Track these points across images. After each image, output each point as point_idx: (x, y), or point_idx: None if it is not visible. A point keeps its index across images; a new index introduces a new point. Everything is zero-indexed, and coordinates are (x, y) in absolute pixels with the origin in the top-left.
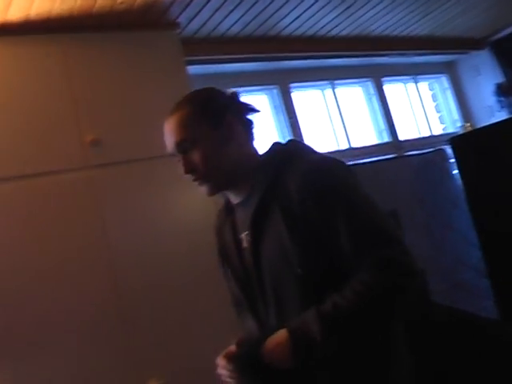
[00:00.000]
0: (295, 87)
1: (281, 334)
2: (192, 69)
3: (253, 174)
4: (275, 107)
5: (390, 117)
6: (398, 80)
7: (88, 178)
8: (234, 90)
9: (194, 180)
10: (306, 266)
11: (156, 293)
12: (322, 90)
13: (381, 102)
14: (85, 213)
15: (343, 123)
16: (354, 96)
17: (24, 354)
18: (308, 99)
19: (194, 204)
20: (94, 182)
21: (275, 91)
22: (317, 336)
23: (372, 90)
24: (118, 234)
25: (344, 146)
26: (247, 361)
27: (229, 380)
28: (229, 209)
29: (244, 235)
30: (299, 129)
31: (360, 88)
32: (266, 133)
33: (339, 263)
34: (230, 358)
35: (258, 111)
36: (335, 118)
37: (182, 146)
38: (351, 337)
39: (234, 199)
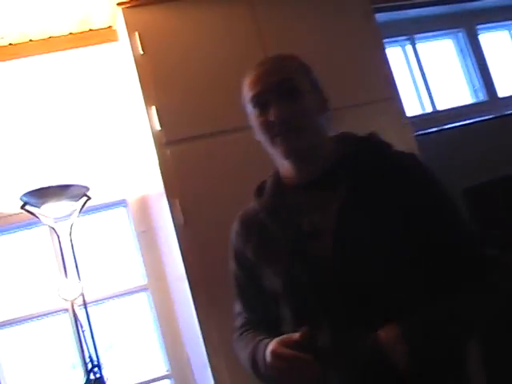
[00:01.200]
0: (482, 29)
1: (390, 327)
2: (378, 16)
3: (333, 158)
4: (461, 51)
5: None
6: None
7: None
8: None
9: (281, 131)
10: (418, 261)
11: None
12: (510, 30)
13: None
14: None
15: None
16: None
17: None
18: (496, 41)
19: None
20: None
21: (460, 34)
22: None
23: None
24: None
25: None
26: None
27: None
28: (279, 190)
29: (308, 220)
30: (488, 72)
31: None
32: (453, 79)
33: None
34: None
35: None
36: None
37: (283, 89)
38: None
39: (297, 177)
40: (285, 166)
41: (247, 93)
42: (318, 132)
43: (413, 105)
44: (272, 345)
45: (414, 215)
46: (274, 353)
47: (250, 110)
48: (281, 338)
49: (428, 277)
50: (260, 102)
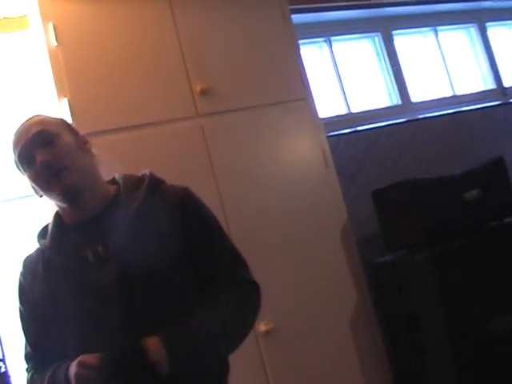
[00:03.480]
0: (398, 34)
1: (154, 336)
2: (295, 18)
3: (112, 195)
4: (377, 55)
5: (495, 62)
6: (503, 24)
7: (198, 126)
8: None
9: (50, 175)
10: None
11: (266, 239)
12: (425, 36)
13: (485, 47)
14: (195, 161)
15: (447, 70)
16: (457, 42)
17: None
18: (411, 46)
19: (302, 152)
20: (204, 130)
21: (377, 38)
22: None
23: (476, 35)
24: (227, 183)
25: (448, 93)
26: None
27: None
28: (61, 229)
29: (92, 251)
30: (402, 76)
31: (463, 33)
32: (370, 81)
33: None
34: (101, 360)
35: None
36: (438, 64)
37: (42, 138)
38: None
39: (77, 216)
40: (65, 209)
41: (15, 155)
42: (84, 170)
43: (328, 106)
44: (73, 366)
45: (188, 241)
46: (77, 375)
47: (22, 169)
48: (80, 359)
49: (196, 294)
50: (26, 157)
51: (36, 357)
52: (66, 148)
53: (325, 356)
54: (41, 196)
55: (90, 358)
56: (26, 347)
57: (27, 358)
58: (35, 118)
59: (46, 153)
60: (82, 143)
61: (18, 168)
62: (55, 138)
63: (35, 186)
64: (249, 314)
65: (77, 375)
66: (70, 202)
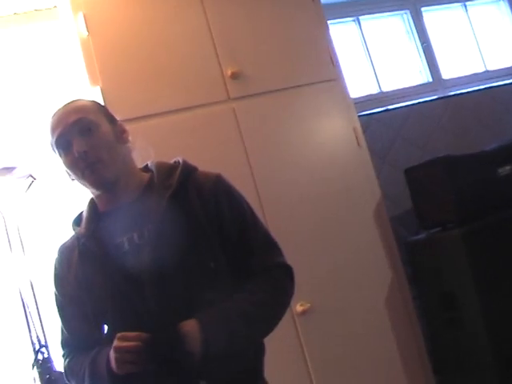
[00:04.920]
0: (427, 10)
1: (191, 319)
2: None
3: (146, 183)
4: (407, 32)
5: None
6: None
7: (230, 110)
8: None
9: (86, 165)
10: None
11: (300, 220)
12: (454, 10)
13: None
14: (228, 144)
15: (478, 45)
16: (487, 16)
17: None
18: (441, 22)
19: (335, 132)
20: (236, 113)
21: (406, 16)
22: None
23: (505, 8)
24: (260, 165)
25: (479, 68)
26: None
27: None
28: (96, 216)
29: (127, 239)
30: (433, 53)
31: (493, 7)
32: (400, 59)
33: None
34: (146, 341)
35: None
36: (469, 40)
37: (81, 126)
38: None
39: (111, 204)
40: (99, 196)
41: (52, 139)
42: (121, 160)
43: (358, 85)
44: (114, 343)
45: (221, 227)
46: (117, 348)
47: (58, 153)
48: (118, 335)
49: (232, 279)
50: (64, 142)
51: (73, 343)
52: (103, 139)
53: (361, 334)
54: (73, 180)
55: (129, 333)
56: (62, 333)
57: (64, 344)
58: (75, 103)
59: (83, 142)
60: (119, 133)
61: (54, 151)
62: (94, 127)
63: (69, 172)
64: (283, 297)
65: (116, 348)
66: (104, 191)
